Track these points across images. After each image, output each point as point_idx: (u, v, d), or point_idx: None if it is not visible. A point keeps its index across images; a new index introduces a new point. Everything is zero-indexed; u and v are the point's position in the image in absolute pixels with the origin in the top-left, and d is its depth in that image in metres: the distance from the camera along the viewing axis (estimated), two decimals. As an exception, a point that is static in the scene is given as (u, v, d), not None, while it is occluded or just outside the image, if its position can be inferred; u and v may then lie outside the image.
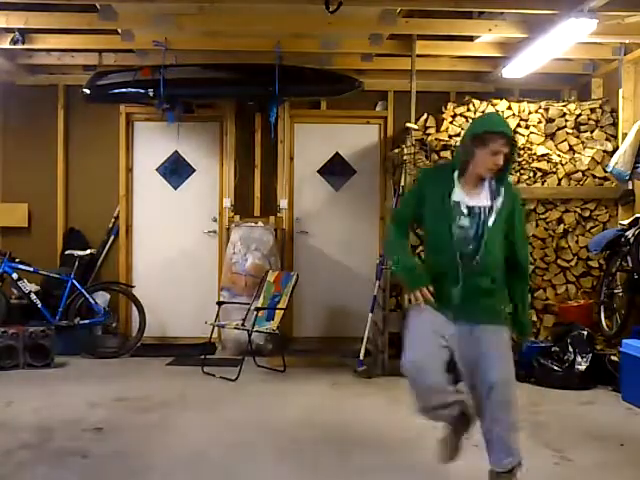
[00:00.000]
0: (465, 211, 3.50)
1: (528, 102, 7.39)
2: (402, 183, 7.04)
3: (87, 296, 7.41)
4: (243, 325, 6.97)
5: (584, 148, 7.27)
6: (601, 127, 7.28)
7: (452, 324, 3.54)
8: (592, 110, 7.33)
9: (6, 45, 6.90)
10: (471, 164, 3.50)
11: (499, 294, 3.65)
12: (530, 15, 6.12)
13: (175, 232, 8.27)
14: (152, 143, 8.29)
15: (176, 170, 8.34)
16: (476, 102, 7.32)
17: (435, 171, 3.73)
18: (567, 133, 7.30)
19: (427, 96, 7.58)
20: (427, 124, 7.36)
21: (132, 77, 7.28)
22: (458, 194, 3.50)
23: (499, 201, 3.52)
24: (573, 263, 7.17)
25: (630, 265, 6.25)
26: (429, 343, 3.51)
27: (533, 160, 7.18)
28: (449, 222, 3.48)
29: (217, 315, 7.09)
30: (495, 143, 3.44)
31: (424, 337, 3.52)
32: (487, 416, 3.54)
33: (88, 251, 7.70)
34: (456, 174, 3.52)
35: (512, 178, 7.12)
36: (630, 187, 6.96)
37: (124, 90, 7.36)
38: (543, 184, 7.19)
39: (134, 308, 7.72)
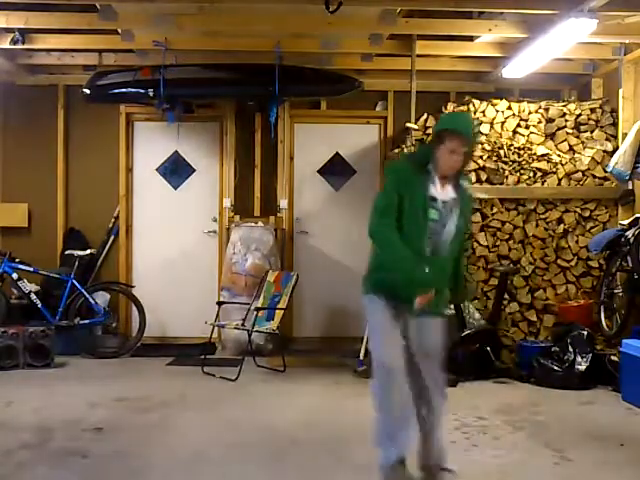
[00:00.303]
0: (437, 205, 3.59)
1: (528, 102, 7.38)
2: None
3: (87, 296, 7.41)
4: (243, 325, 6.97)
5: (584, 148, 7.26)
6: (601, 127, 7.28)
7: (407, 315, 3.66)
8: (592, 110, 7.32)
9: (6, 45, 6.90)
10: (437, 160, 3.59)
11: (446, 286, 3.81)
12: (530, 15, 6.12)
13: (175, 232, 8.27)
14: (152, 143, 8.28)
15: (176, 170, 8.34)
16: (476, 102, 7.31)
17: (409, 164, 3.74)
18: (567, 133, 7.29)
19: (427, 96, 7.58)
20: (427, 124, 7.34)
21: (132, 77, 7.28)
22: (431, 188, 3.59)
23: (461, 195, 3.66)
24: (573, 263, 7.17)
25: (630, 265, 6.24)
26: (396, 341, 3.64)
27: (533, 160, 7.18)
28: (424, 216, 3.57)
29: (217, 315, 7.09)
30: (451, 142, 3.53)
31: (391, 335, 3.65)
32: (424, 405, 3.72)
33: (88, 251, 7.69)
34: (430, 167, 3.60)
35: (512, 178, 7.14)
36: (630, 187, 6.95)
37: (124, 90, 7.37)
38: (543, 184, 7.18)
39: (134, 308, 7.72)
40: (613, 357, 6.21)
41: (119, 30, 6.78)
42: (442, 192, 3.61)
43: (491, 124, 7.25)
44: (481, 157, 7.16)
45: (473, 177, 7.14)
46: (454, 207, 3.63)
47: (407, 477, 3.64)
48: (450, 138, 3.53)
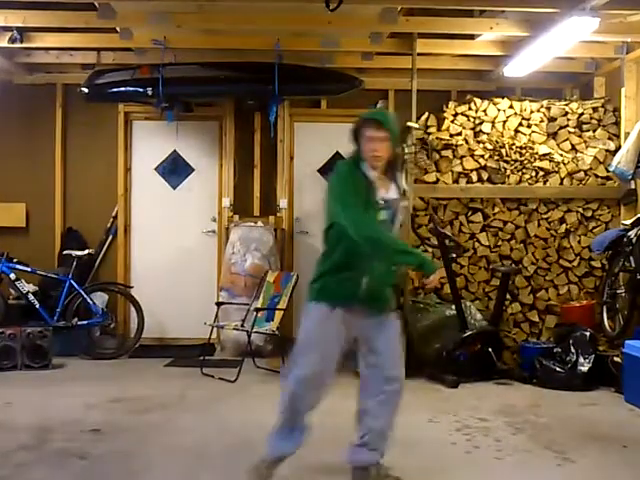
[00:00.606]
0: (384, 205, 3.66)
1: (530, 101, 7.36)
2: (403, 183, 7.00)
3: (85, 296, 7.36)
4: (242, 326, 6.92)
5: (586, 147, 7.24)
6: (603, 126, 7.25)
7: (354, 316, 3.65)
8: (594, 109, 7.30)
9: (4, 44, 6.85)
10: (364, 155, 3.68)
11: (394, 282, 3.89)
12: (532, 13, 6.08)
13: (174, 232, 8.23)
14: (151, 142, 8.24)
15: (175, 169, 8.29)
16: (477, 101, 7.29)
17: (353, 166, 3.76)
18: (569, 132, 7.27)
19: (428, 95, 7.51)
20: (428, 123, 7.30)
21: (131, 76, 7.24)
22: (377, 188, 3.65)
23: (401, 193, 3.76)
24: (575, 263, 7.14)
25: (633, 265, 6.22)
26: (330, 355, 3.66)
27: (535, 159, 7.15)
28: (372, 216, 3.62)
29: (216, 316, 7.05)
30: (367, 130, 3.64)
31: (326, 348, 3.65)
32: (373, 410, 3.78)
33: (86, 251, 7.63)
34: (366, 168, 3.66)
35: (514, 178, 7.11)
36: (633, 187, 6.94)
37: (122, 89, 7.32)
38: (545, 184, 7.16)
39: (132, 309, 7.67)
40: (616, 358, 6.16)
41: (117, 28, 6.74)
42: (386, 192, 3.69)
43: (493, 123, 7.22)
44: (482, 156, 7.14)
45: (474, 176, 7.13)
46: (397, 206, 3.72)
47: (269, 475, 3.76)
48: (364, 128, 3.65)
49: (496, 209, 7.15)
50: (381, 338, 3.72)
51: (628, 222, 6.53)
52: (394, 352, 3.77)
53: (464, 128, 7.21)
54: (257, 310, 6.88)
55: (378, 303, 3.72)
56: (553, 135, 7.27)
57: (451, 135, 7.19)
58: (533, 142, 7.19)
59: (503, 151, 7.13)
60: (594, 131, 7.24)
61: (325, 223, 3.87)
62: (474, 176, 7.13)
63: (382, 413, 3.78)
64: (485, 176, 7.14)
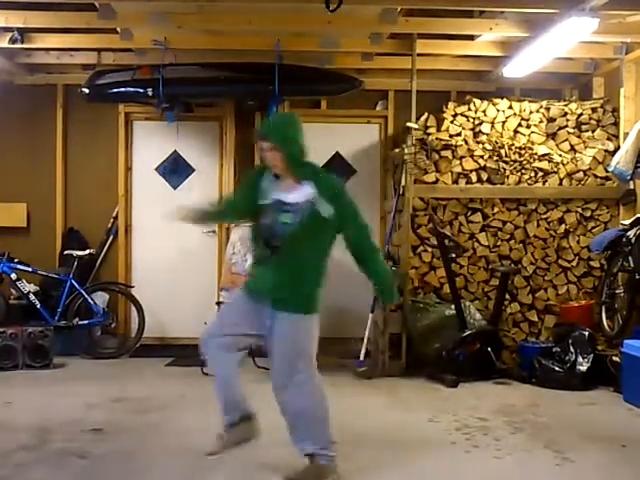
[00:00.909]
0: (285, 207, 3.74)
1: (529, 101, 7.36)
2: (402, 183, 7.02)
3: (86, 296, 7.38)
4: (243, 325, 6.92)
5: (585, 148, 7.24)
6: (602, 126, 7.25)
7: (263, 308, 3.85)
8: (593, 109, 7.30)
9: (5, 44, 6.86)
10: None
11: (309, 285, 4.00)
12: (531, 14, 6.09)
13: (174, 232, 8.20)
14: (151, 142, 8.25)
15: (175, 170, 8.30)
16: (477, 101, 7.29)
17: (259, 171, 3.95)
18: (568, 133, 7.27)
19: (428, 95, 7.52)
20: (428, 123, 7.30)
21: (131, 76, 7.25)
22: (278, 192, 3.77)
23: (309, 196, 3.76)
24: (574, 263, 7.15)
25: (631, 265, 6.23)
26: (229, 325, 3.97)
27: (534, 160, 7.16)
28: (272, 217, 3.75)
29: (217, 315, 7.05)
30: (258, 142, 3.85)
31: (228, 319, 4.05)
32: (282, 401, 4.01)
33: (87, 251, 7.66)
34: (270, 173, 3.81)
35: (513, 178, 7.11)
36: (631, 187, 6.94)
37: (123, 89, 7.33)
38: (544, 184, 7.17)
39: (133, 308, 7.69)
40: (614, 358, 6.18)
41: (118, 29, 6.75)
42: (288, 196, 3.75)
43: (492, 123, 7.23)
44: (482, 157, 7.15)
45: (474, 177, 7.14)
46: (304, 210, 3.73)
47: (234, 440, 3.99)
48: (257, 139, 3.92)
49: (495, 209, 7.16)
50: (274, 337, 3.90)
51: (627, 222, 6.53)
52: (279, 355, 3.93)
53: (463, 129, 7.22)
54: (257, 310, 6.88)
55: (279, 303, 3.85)
56: (552, 135, 7.27)
57: (450, 135, 7.20)
58: (532, 142, 7.20)
59: (502, 151, 7.14)
60: (593, 131, 7.25)
61: None
62: (473, 176, 7.14)
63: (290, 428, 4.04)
64: (484, 176, 7.15)
